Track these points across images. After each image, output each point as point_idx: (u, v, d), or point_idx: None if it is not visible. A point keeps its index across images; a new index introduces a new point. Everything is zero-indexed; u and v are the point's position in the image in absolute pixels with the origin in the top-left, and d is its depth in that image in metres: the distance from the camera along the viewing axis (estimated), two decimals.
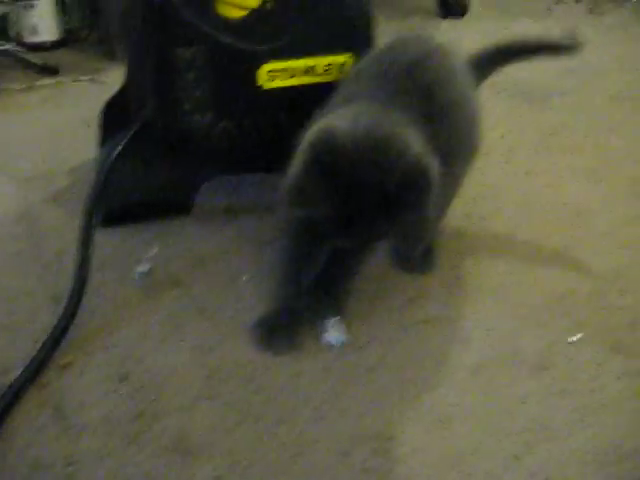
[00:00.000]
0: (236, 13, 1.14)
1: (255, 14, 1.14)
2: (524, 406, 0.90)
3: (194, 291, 1.11)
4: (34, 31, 2.31)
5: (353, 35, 1.20)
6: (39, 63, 2.13)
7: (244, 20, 1.14)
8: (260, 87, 1.17)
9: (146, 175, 1.24)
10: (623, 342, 1.00)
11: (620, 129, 1.63)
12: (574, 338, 1.01)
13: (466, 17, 2.49)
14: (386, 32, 2.30)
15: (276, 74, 1.17)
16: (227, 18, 1.13)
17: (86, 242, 1.08)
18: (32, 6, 2.30)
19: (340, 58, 1.19)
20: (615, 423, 0.88)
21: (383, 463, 0.83)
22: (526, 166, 1.47)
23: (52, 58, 2.19)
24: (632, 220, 1.28)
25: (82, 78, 2.06)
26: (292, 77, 1.18)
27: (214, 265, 1.17)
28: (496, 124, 1.60)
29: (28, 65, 2.13)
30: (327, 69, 1.19)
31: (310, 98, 1.20)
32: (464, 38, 2.27)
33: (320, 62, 1.19)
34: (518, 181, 1.42)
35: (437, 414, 0.89)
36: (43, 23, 2.32)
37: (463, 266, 1.16)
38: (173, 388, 0.94)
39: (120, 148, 1.14)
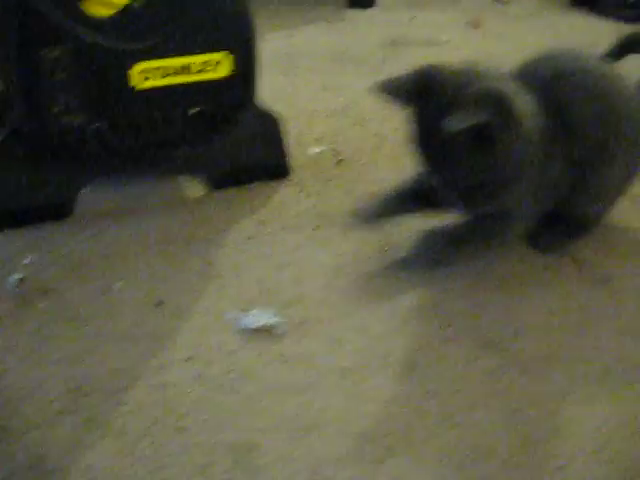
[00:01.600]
0: (104, 11, 1.10)
1: (124, 12, 1.11)
2: (389, 409, 0.89)
3: (66, 300, 1.08)
4: None
5: (229, 33, 1.17)
6: None
7: (112, 18, 1.11)
8: (133, 87, 1.14)
9: (22, 180, 1.20)
10: (493, 339, 1.00)
11: None
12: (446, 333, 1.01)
13: (374, 7, 2.48)
14: (291, 20, 2.30)
15: (149, 74, 1.14)
16: (94, 16, 1.10)
17: None
18: None
19: (216, 56, 1.17)
20: (480, 422, 0.88)
21: (244, 474, 0.82)
22: None
23: None
24: None
25: None
26: (166, 76, 1.15)
27: (89, 272, 1.13)
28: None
29: None
30: (202, 68, 1.16)
31: (186, 97, 1.19)
32: (372, 27, 2.27)
33: (195, 60, 1.16)
34: None
35: (302, 421, 0.88)
36: None
37: (343, 267, 1.15)
38: (35, 403, 0.91)
39: None
